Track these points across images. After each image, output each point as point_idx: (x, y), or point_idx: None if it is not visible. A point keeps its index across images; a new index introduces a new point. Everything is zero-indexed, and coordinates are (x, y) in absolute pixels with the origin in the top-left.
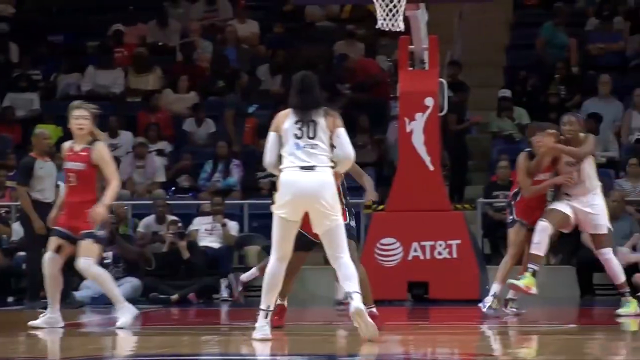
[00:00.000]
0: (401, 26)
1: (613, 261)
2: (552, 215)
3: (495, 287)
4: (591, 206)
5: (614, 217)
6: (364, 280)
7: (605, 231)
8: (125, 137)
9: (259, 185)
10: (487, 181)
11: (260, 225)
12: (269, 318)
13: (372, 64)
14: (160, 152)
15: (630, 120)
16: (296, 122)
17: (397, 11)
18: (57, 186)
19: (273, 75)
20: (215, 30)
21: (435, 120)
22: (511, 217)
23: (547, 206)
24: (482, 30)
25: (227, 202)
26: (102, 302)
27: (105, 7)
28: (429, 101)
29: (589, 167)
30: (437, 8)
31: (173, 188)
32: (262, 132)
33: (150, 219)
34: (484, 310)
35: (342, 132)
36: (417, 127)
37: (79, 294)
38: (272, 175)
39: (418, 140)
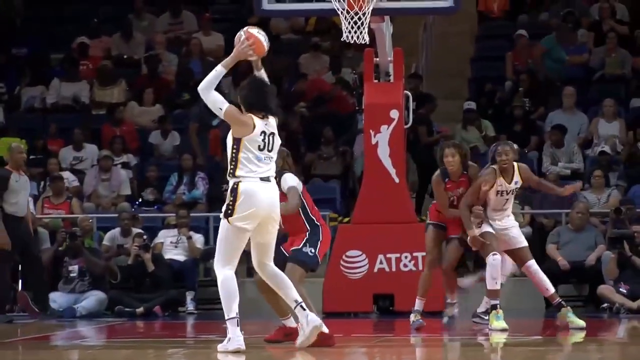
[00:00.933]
0: (366, 38)
1: (540, 273)
2: (494, 242)
3: (418, 304)
4: (506, 227)
5: (579, 228)
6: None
7: (525, 244)
8: (90, 150)
9: (225, 197)
10: None
11: None
12: (239, 326)
13: (321, 81)
14: (125, 165)
15: (597, 128)
16: (261, 134)
17: (362, 23)
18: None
19: (236, 87)
20: (180, 43)
21: (401, 132)
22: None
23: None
24: (447, 42)
25: (192, 214)
26: (68, 315)
27: (70, 20)
28: (394, 113)
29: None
30: (402, 20)
31: (138, 201)
32: (225, 145)
33: (115, 232)
34: (412, 326)
35: None
36: (382, 140)
37: None
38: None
39: (383, 153)
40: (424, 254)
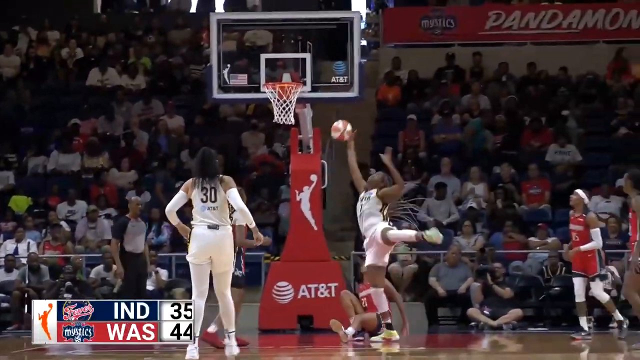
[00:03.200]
0: (292, 120)
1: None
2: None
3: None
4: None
5: (453, 265)
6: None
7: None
8: (81, 205)
9: (184, 242)
10: (357, 237)
11: (185, 272)
12: (196, 343)
13: (265, 155)
14: (108, 216)
15: (467, 189)
16: (202, 190)
17: (289, 109)
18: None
19: (192, 157)
20: (150, 124)
21: (318, 191)
22: None
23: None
24: (354, 123)
25: (159, 254)
26: None
27: (65, 106)
28: (314, 177)
29: None
30: (319, 107)
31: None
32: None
33: (99, 268)
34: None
35: (232, 192)
36: (304, 197)
37: None
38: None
39: (305, 207)
40: (336, 284)
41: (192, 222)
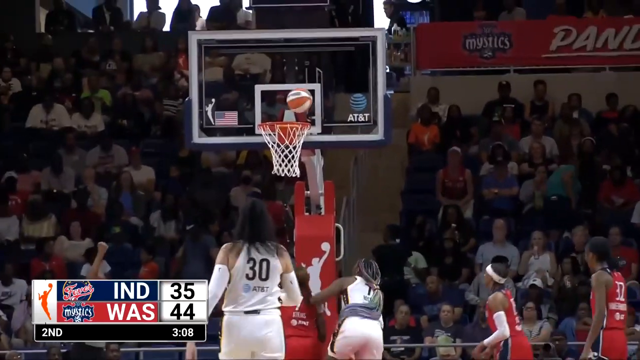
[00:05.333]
0: (297, 172)
1: None
2: None
3: None
4: None
5: None
6: None
7: None
8: (19, 285)
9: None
10: (386, 326)
11: None
12: None
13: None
14: None
15: (527, 261)
16: (248, 261)
17: (293, 157)
18: None
19: (164, 221)
20: (110, 177)
21: (332, 265)
22: None
23: None
24: (377, 174)
25: (122, 350)
26: None
27: None
28: (326, 246)
29: None
30: (333, 153)
31: None
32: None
33: None
34: None
35: (293, 277)
36: (313, 272)
37: None
38: None
39: (315, 286)
40: None
41: (223, 308)
